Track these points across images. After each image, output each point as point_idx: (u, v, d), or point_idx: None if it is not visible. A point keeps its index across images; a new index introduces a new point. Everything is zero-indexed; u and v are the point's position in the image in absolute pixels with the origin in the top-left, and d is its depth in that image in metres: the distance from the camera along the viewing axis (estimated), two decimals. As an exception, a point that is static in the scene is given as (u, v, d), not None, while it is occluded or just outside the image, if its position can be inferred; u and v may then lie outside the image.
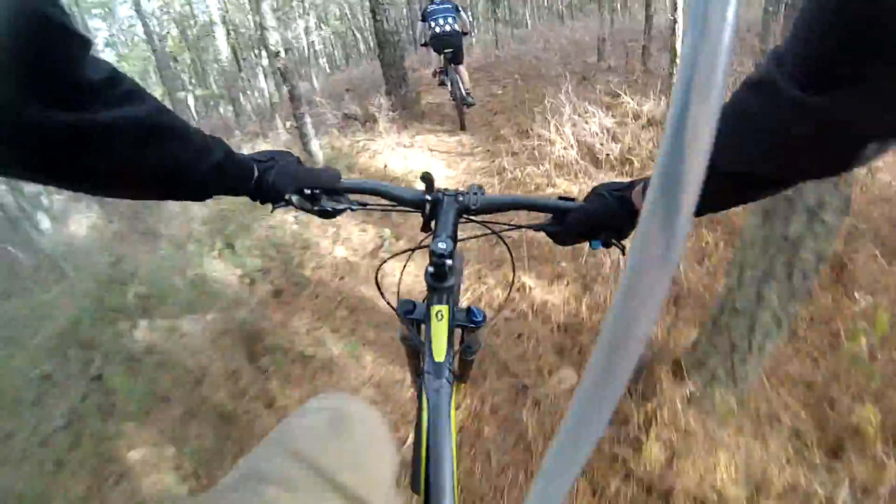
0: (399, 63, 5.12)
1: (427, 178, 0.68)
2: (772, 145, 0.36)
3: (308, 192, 0.65)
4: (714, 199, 0.46)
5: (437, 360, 0.61)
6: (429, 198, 0.68)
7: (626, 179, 0.63)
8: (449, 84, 4.60)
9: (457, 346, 0.81)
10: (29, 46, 0.31)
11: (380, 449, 0.51)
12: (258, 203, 0.62)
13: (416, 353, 0.87)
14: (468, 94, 4.67)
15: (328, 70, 17.54)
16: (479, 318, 0.73)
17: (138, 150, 0.41)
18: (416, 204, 0.70)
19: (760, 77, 0.36)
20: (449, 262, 0.63)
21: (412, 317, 0.71)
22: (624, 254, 0.65)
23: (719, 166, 0.40)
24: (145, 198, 0.50)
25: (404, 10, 12.75)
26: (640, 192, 0.57)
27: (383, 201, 0.71)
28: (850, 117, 0.31)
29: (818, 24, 0.30)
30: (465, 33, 4.74)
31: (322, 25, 17.89)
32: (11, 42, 0.31)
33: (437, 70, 4.79)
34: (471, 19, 7.47)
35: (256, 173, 0.59)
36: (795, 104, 0.32)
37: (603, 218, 0.62)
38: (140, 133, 0.41)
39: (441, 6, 4.59)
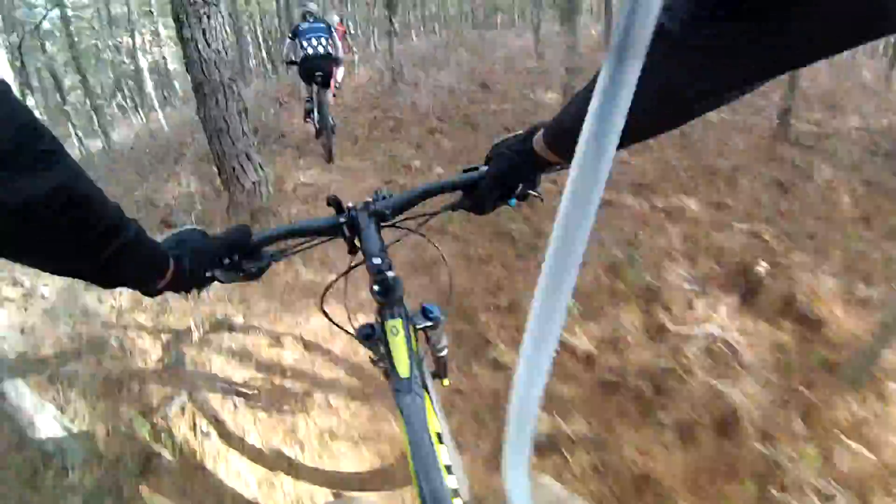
0: (234, 132, 2.80)
1: (333, 201, 0.67)
2: (663, 83, 0.39)
3: (227, 261, 0.61)
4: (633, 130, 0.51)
5: (402, 376, 0.61)
6: (343, 219, 0.68)
7: (519, 131, 0.64)
8: (315, 113, 4.23)
9: (425, 347, 0.82)
10: None
11: None
12: (177, 293, 0.58)
13: (388, 372, 0.88)
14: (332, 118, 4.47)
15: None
16: (436, 314, 0.73)
17: (48, 218, 0.36)
18: (333, 230, 0.68)
19: None
20: (390, 273, 0.63)
21: (374, 338, 0.71)
22: (542, 201, 0.68)
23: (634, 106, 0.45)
24: (44, 267, 0.42)
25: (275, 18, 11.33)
26: (540, 138, 0.57)
27: (302, 241, 0.69)
28: (721, 53, 0.34)
29: None
30: (339, 60, 4.46)
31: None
32: None
33: (306, 110, 4.41)
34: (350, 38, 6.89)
35: (172, 264, 0.53)
36: (677, 41, 0.35)
37: (512, 175, 0.63)
38: (52, 199, 0.36)
39: (314, 25, 4.28)
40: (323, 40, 4.25)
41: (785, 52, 0.33)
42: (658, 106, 0.42)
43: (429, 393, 0.64)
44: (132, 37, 11.07)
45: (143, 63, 11.01)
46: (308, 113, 4.40)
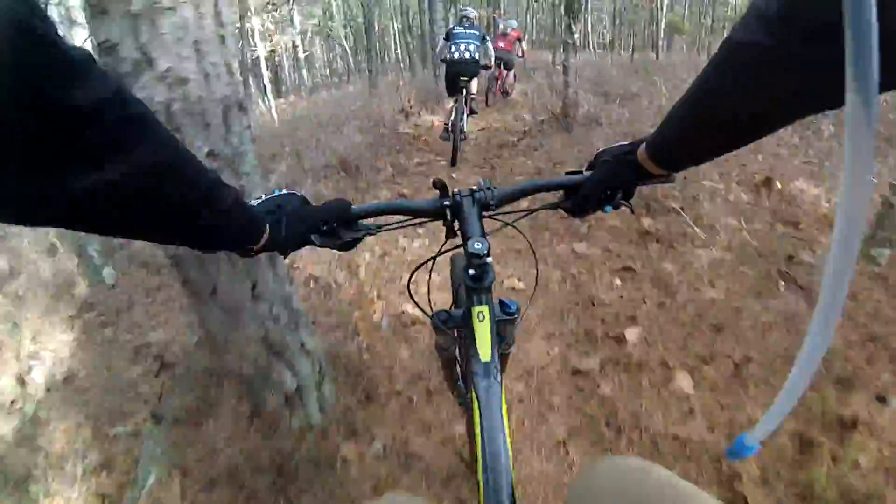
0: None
1: (439, 184, 0.69)
2: (757, 91, 0.40)
3: (325, 227, 0.65)
4: (712, 144, 0.51)
5: (483, 360, 0.62)
6: (447, 203, 0.69)
7: (625, 142, 0.65)
8: (451, 116, 4.25)
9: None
10: (13, 71, 0.26)
11: None
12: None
13: (451, 361, 0.88)
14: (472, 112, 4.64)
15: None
16: (513, 310, 0.73)
17: (144, 195, 0.37)
18: (435, 212, 0.70)
19: (735, 33, 0.40)
20: (489, 260, 0.64)
21: (450, 324, 0.72)
22: (633, 212, 0.71)
23: (719, 112, 0.46)
24: (145, 239, 0.44)
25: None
26: (644, 150, 0.59)
27: (402, 218, 0.72)
28: (816, 68, 0.35)
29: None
30: (487, 67, 4.68)
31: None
32: None
33: (446, 124, 4.38)
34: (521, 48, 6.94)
35: (267, 229, 0.56)
36: (769, 52, 0.37)
37: (613, 183, 0.65)
38: (148, 176, 0.36)
39: (468, 31, 4.43)
40: (472, 47, 4.36)
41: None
42: (739, 121, 0.45)
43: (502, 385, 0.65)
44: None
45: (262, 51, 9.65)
46: (446, 129, 4.38)
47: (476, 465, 0.56)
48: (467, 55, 4.33)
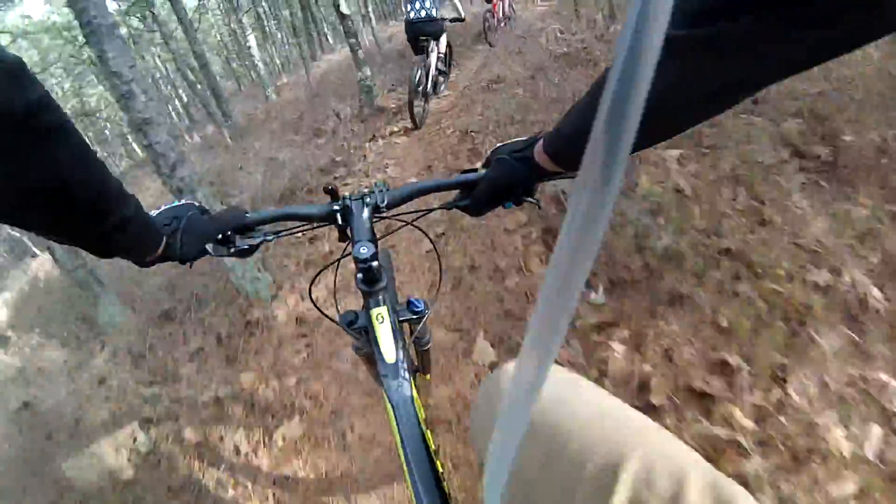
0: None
1: (330, 189, 0.69)
2: (668, 85, 0.37)
3: (220, 237, 0.65)
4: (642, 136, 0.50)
5: (388, 361, 0.63)
6: (337, 207, 0.69)
7: (522, 137, 0.65)
8: (414, 78, 3.85)
9: (408, 341, 0.83)
10: None
11: None
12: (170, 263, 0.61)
13: (372, 359, 0.88)
14: (442, 72, 4.34)
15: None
16: (421, 308, 0.74)
17: (56, 197, 0.38)
18: (327, 217, 0.70)
19: None
20: (374, 263, 0.64)
21: (357, 326, 0.72)
22: (540, 207, 0.70)
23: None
24: (43, 234, 0.44)
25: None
26: (541, 148, 0.58)
27: (295, 224, 0.72)
28: (727, 55, 0.33)
29: None
30: (460, 19, 4.28)
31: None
32: None
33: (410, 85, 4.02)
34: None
35: (164, 241, 0.57)
36: (678, 41, 0.33)
37: (510, 181, 0.64)
38: (63, 180, 0.38)
39: None
40: (428, 2, 4.01)
41: (799, 50, 0.32)
42: (662, 110, 0.39)
43: (415, 386, 0.65)
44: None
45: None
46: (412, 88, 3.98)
47: (403, 469, 0.55)
48: (423, 13, 3.99)
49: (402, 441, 0.56)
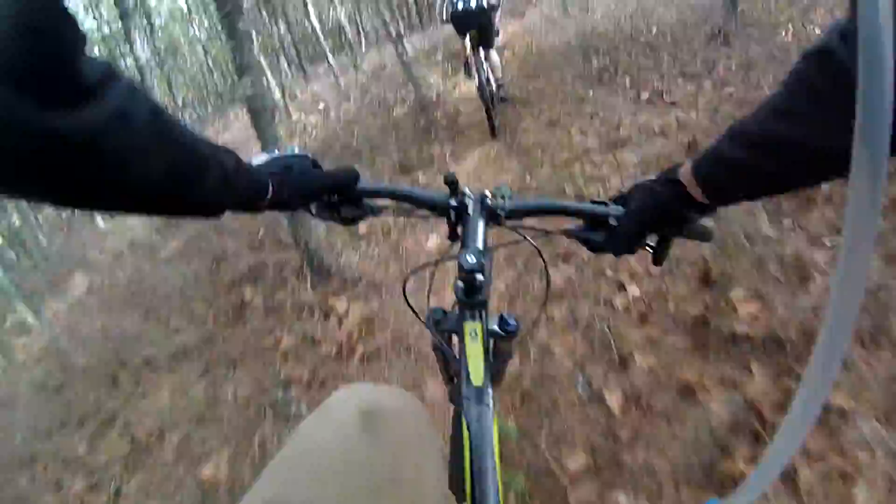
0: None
1: (450, 181, 0.64)
2: (837, 118, 0.33)
3: (326, 198, 0.63)
4: (793, 175, 0.43)
5: (475, 384, 0.57)
6: (453, 203, 0.64)
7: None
8: (476, 75, 3.50)
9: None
10: (25, 35, 0.26)
11: (427, 454, 0.45)
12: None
13: (448, 362, 0.83)
14: (500, 86, 3.82)
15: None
16: (512, 327, 0.68)
17: (139, 158, 0.35)
18: (440, 209, 0.66)
19: (820, 48, 0.36)
20: (479, 276, 0.59)
21: (443, 328, 0.68)
22: (656, 264, 0.62)
23: (795, 139, 0.40)
24: (149, 213, 0.42)
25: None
26: (689, 170, 0.50)
27: (406, 207, 0.68)
28: None
29: None
30: (495, 6, 3.69)
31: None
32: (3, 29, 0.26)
33: (465, 57, 3.79)
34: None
35: (271, 189, 0.55)
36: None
37: (657, 212, 0.55)
38: (141, 138, 0.35)
39: None
40: None
41: None
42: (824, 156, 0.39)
43: (496, 406, 0.60)
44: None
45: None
46: (466, 67, 3.75)
47: (461, 489, 0.52)
48: (473, 3, 3.46)
49: (471, 473, 0.51)
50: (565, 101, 3.88)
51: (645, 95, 3.37)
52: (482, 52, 3.53)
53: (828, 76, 0.36)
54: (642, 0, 6.02)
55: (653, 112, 3.11)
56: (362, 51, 13.40)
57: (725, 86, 3.05)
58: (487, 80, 3.51)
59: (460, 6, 3.49)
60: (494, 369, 0.88)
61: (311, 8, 11.09)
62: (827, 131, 0.37)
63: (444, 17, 3.71)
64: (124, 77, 0.34)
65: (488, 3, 3.53)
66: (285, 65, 15.96)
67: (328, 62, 10.52)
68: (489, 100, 3.49)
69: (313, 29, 11.34)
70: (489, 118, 3.61)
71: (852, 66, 0.29)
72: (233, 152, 0.48)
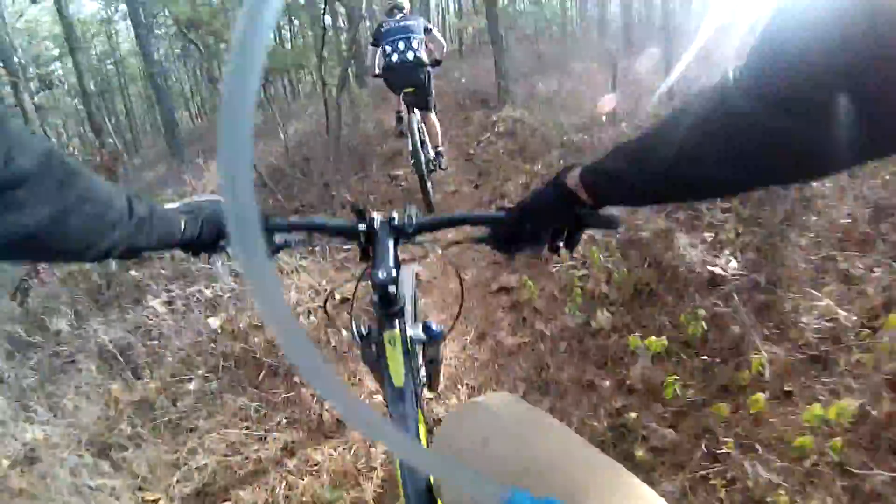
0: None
1: (357, 209, 0.70)
2: (726, 153, 0.37)
3: None
4: (676, 193, 0.50)
5: (396, 385, 0.62)
6: (362, 227, 0.69)
7: None
8: (409, 137, 2.85)
9: (420, 360, 0.84)
10: None
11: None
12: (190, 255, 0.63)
13: (379, 372, 0.89)
14: (438, 153, 3.27)
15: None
16: (436, 333, 0.74)
17: (56, 219, 0.40)
18: (350, 234, 0.70)
19: (714, 85, 0.38)
20: (392, 288, 0.64)
21: (369, 341, 0.72)
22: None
23: (680, 168, 0.43)
24: (65, 261, 0.48)
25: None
26: (577, 176, 0.54)
27: (317, 237, 0.74)
28: (805, 137, 0.32)
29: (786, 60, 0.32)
30: (438, 62, 3.33)
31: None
32: None
33: (397, 112, 3.50)
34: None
35: (182, 226, 0.58)
36: (750, 116, 0.34)
37: (541, 210, 0.59)
38: (56, 202, 0.40)
39: (399, 24, 3.16)
40: (413, 42, 3.12)
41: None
42: (707, 182, 0.42)
43: (421, 406, 0.66)
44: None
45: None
46: (397, 126, 3.62)
47: (400, 493, 0.55)
48: (410, 55, 3.09)
49: (403, 477, 0.54)
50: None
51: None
52: (418, 114, 3.03)
53: (708, 109, 0.38)
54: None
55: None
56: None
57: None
58: (423, 143, 2.97)
59: (394, 58, 3.11)
60: (427, 373, 0.95)
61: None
62: (690, 157, 0.40)
63: (375, 71, 3.38)
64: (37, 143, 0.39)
65: (430, 57, 3.22)
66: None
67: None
68: (423, 169, 2.83)
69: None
70: (423, 190, 2.93)
71: (737, 102, 0.33)
72: (145, 197, 0.52)
